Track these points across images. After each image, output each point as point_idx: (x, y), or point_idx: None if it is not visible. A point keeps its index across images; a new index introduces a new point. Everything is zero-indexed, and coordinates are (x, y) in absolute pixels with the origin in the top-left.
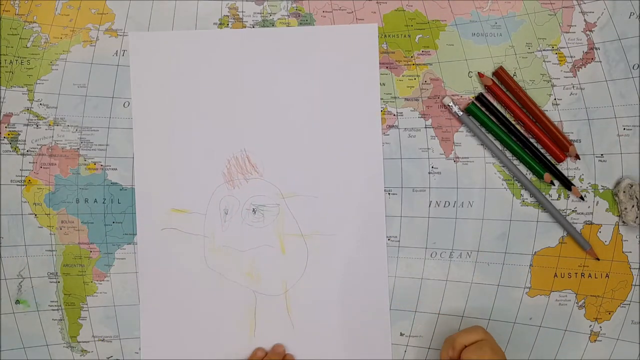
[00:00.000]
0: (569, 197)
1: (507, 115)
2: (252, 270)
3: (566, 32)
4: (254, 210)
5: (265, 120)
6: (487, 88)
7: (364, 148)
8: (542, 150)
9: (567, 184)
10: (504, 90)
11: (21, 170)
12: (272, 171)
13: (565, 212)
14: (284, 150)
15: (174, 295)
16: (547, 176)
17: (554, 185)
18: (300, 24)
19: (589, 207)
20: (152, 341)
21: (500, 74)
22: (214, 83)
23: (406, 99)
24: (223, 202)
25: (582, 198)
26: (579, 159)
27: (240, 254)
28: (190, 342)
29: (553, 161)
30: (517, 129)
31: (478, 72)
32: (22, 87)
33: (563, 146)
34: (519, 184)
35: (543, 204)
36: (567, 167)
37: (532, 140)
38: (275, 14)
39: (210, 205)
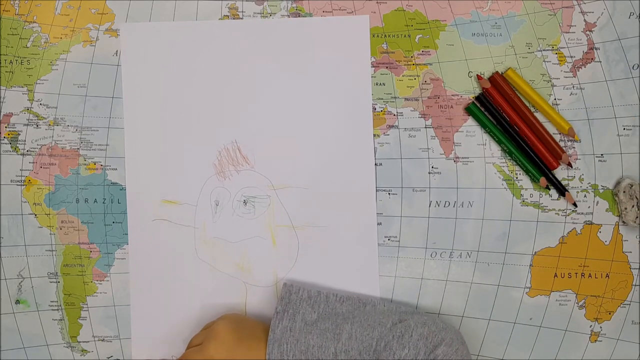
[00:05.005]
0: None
1: (508, 117)
2: (243, 261)
3: (566, 32)
4: (244, 201)
5: (256, 112)
6: (485, 91)
7: (355, 139)
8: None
9: (561, 189)
10: (501, 94)
11: (21, 170)
12: (263, 163)
13: (565, 212)
14: (275, 141)
15: (164, 286)
16: (543, 181)
17: (549, 189)
18: None
19: (589, 207)
20: (142, 332)
21: (495, 79)
22: (205, 74)
23: (406, 99)
24: (214, 194)
25: (575, 205)
26: (571, 166)
27: (231, 245)
28: (180, 332)
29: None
30: (517, 132)
31: (477, 75)
32: (22, 87)
33: (556, 154)
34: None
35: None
36: (566, 167)
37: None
38: (275, 14)
39: (201, 197)
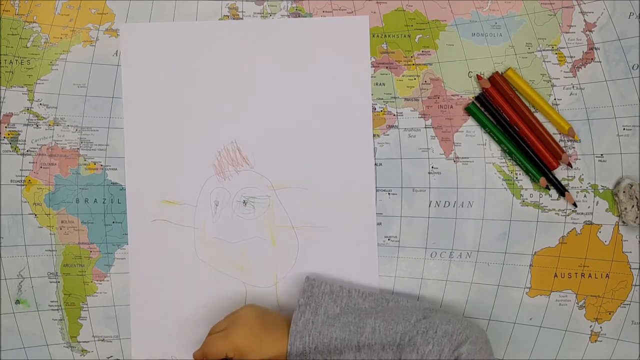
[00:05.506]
0: None
1: (508, 117)
2: (243, 262)
3: (566, 32)
4: (244, 201)
5: (256, 112)
6: (485, 91)
7: (355, 139)
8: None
9: (561, 190)
10: (501, 94)
11: (21, 170)
12: (263, 163)
13: (565, 212)
14: (275, 142)
15: (164, 286)
16: (543, 181)
17: (549, 189)
18: None
19: (589, 207)
20: (142, 332)
21: (495, 79)
22: (205, 75)
23: (406, 99)
24: (214, 194)
25: (575, 205)
26: (571, 166)
27: (230, 245)
28: (180, 332)
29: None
30: (517, 132)
31: (477, 75)
32: (22, 87)
33: (556, 154)
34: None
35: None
36: (566, 167)
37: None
38: (275, 14)
39: (200, 197)
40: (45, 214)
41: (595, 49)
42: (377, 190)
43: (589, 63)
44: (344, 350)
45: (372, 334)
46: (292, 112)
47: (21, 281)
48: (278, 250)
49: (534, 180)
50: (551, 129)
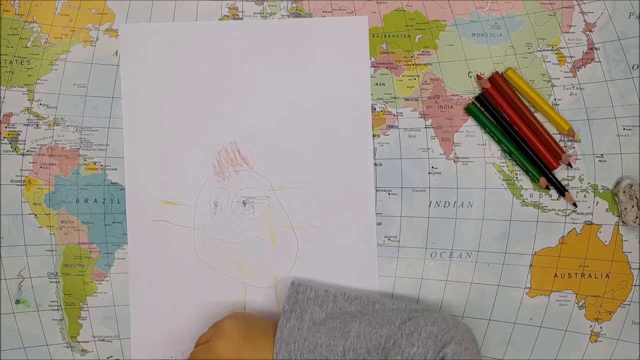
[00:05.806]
0: None
1: (508, 117)
2: (242, 262)
3: (566, 32)
4: (244, 202)
5: (255, 112)
6: (485, 91)
7: (355, 139)
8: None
9: (561, 190)
10: (501, 94)
11: (21, 170)
12: (262, 163)
13: (565, 212)
14: (275, 142)
15: (163, 287)
16: (543, 181)
17: (549, 189)
18: None
19: (589, 207)
20: (142, 332)
21: (495, 79)
22: (205, 75)
23: (406, 99)
24: (213, 194)
25: (575, 205)
26: (571, 166)
27: (230, 246)
28: (180, 332)
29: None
30: (517, 132)
31: (477, 75)
32: (22, 87)
33: (556, 154)
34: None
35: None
36: (566, 167)
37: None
38: (275, 14)
39: (200, 197)
40: (45, 214)
41: (595, 49)
42: (377, 190)
43: (589, 63)
44: (329, 357)
45: (357, 338)
46: (292, 112)
47: (21, 281)
48: (277, 250)
49: (534, 180)
50: (551, 129)
